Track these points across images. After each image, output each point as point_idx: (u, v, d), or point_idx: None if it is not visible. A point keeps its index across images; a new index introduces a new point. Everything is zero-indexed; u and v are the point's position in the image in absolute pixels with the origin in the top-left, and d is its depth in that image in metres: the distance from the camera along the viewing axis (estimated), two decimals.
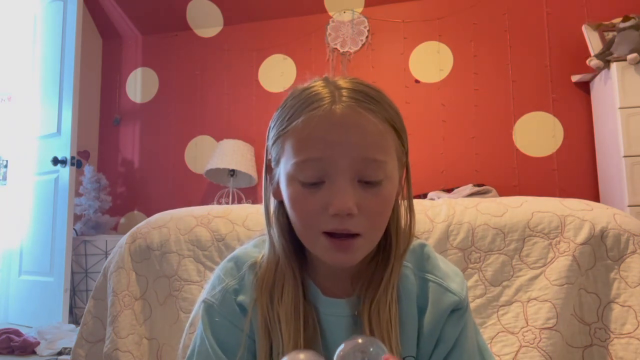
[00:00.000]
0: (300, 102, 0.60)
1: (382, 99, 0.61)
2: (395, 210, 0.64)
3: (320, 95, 0.59)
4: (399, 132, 0.61)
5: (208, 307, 0.65)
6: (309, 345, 0.60)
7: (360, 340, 0.43)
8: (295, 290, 0.62)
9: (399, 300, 0.62)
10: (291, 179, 0.59)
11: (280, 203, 0.65)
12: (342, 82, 0.61)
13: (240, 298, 0.64)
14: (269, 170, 0.65)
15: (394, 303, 0.61)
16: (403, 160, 0.63)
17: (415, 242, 0.67)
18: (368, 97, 0.59)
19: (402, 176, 0.64)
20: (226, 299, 0.64)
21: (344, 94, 0.59)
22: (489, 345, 0.93)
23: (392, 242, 0.63)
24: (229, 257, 0.70)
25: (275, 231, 0.65)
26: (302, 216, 0.59)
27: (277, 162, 0.62)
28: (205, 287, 0.69)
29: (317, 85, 0.61)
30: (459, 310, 0.62)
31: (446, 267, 0.65)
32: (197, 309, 0.68)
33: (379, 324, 0.59)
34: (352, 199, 0.55)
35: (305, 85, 0.63)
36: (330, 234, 0.57)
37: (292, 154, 0.58)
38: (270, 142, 0.64)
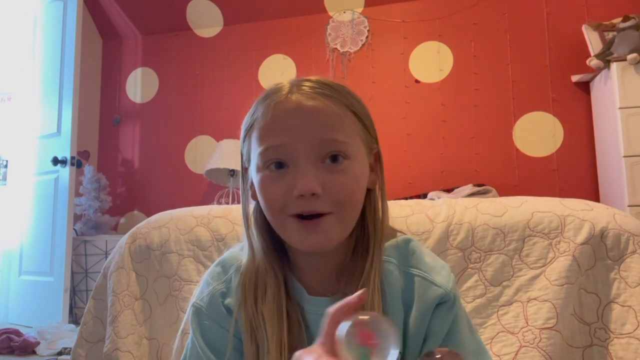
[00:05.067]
0: (261, 98, 0.63)
1: (342, 89, 0.62)
2: (372, 200, 0.65)
3: (280, 88, 0.62)
4: (361, 118, 0.63)
5: (197, 311, 0.66)
6: (294, 343, 0.60)
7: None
8: (277, 290, 0.62)
9: (383, 296, 0.61)
10: (259, 168, 0.61)
11: (258, 204, 0.66)
12: (305, 78, 0.64)
13: (228, 301, 0.65)
14: (244, 172, 0.68)
15: (377, 291, 0.60)
16: (374, 150, 0.65)
17: (400, 238, 0.66)
18: (325, 86, 0.61)
19: (375, 166, 0.66)
20: (213, 302, 0.65)
21: (304, 84, 0.61)
22: (488, 346, 0.93)
23: (370, 233, 0.64)
24: (216, 261, 0.71)
25: (254, 232, 0.67)
26: (270, 202, 0.60)
27: (249, 161, 0.65)
28: (195, 291, 0.70)
29: (281, 82, 0.64)
30: (445, 303, 0.61)
31: (432, 261, 0.65)
32: (188, 313, 0.68)
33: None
34: (315, 179, 0.57)
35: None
36: (298, 217, 0.58)
37: (257, 144, 0.61)
38: (241, 143, 0.67)
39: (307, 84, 0.61)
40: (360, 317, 0.42)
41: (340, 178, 0.58)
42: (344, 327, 0.42)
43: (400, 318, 0.62)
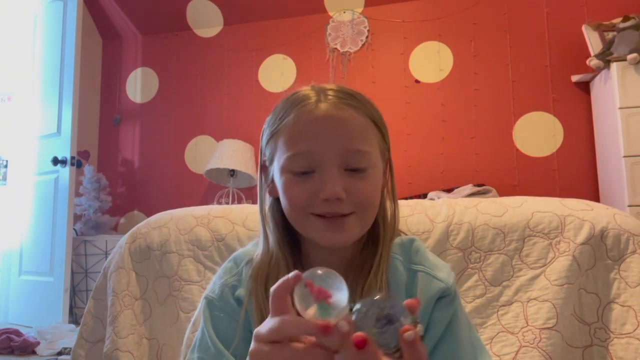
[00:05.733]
0: (289, 103, 0.66)
1: (363, 98, 0.68)
2: (382, 202, 0.70)
3: (307, 96, 0.66)
4: (380, 127, 0.68)
5: (209, 303, 0.68)
6: None
7: (377, 297, 0.43)
8: None
9: (388, 289, 0.65)
10: (284, 170, 0.65)
11: (275, 200, 0.70)
12: (327, 86, 0.68)
13: (239, 292, 0.67)
14: (264, 169, 0.71)
15: (384, 287, 0.64)
16: (386, 156, 0.70)
17: (405, 238, 0.71)
18: (349, 96, 0.66)
19: (385, 170, 0.70)
20: (225, 293, 0.68)
21: (329, 93, 0.66)
22: (488, 346, 0.93)
23: (380, 232, 0.69)
24: (229, 258, 0.74)
25: (270, 226, 0.70)
26: (294, 201, 0.63)
27: (271, 160, 0.68)
28: (207, 286, 0.73)
29: (304, 89, 0.68)
30: (446, 297, 0.65)
31: (435, 259, 0.69)
32: (200, 306, 0.70)
33: None
34: (340, 185, 0.61)
35: (294, 91, 0.69)
36: (321, 215, 0.62)
37: (285, 149, 0.64)
38: (264, 143, 0.70)
39: (332, 92, 0.65)
40: (307, 276, 0.44)
41: (362, 184, 0.63)
42: (297, 289, 0.43)
43: None
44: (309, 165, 0.63)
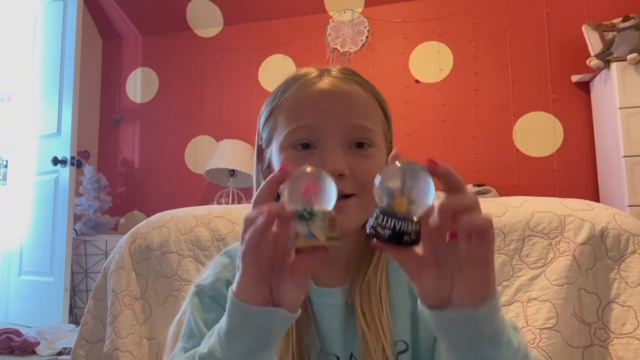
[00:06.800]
0: (291, 78, 0.64)
1: (368, 80, 0.65)
2: None
3: (310, 72, 0.63)
4: (384, 109, 0.65)
5: (199, 290, 0.65)
6: (302, 332, 0.60)
7: (398, 164, 0.45)
8: None
9: (388, 284, 0.62)
10: (284, 147, 0.61)
11: None
12: (330, 67, 0.66)
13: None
14: (260, 153, 0.68)
15: (384, 283, 0.61)
16: (388, 144, 0.66)
17: None
18: (354, 73, 0.64)
19: (385, 159, 0.67)
20: (217, 284, 0.65)
21: (332, 70, 0.64)
22: None
23: None
24: (223, 250, 0.70)
25: None
26: None
27: (269, 142, 0.65)
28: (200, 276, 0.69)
29: (307, 67, 0.66)
30: None
31: None
32: (185, 302, 0.67)
33: (369, 305, 0.59)
34: (343, 161, 0.57)
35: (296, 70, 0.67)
36: None
37: (285, 124, 0.61)
38: (261, 124, 0.66)
39: (336, 70, 0.63)
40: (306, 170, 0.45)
41: (366, 163, 0.59)
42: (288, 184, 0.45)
43: (407, 307, 0.62)
44: (311, 140, 0.59)
